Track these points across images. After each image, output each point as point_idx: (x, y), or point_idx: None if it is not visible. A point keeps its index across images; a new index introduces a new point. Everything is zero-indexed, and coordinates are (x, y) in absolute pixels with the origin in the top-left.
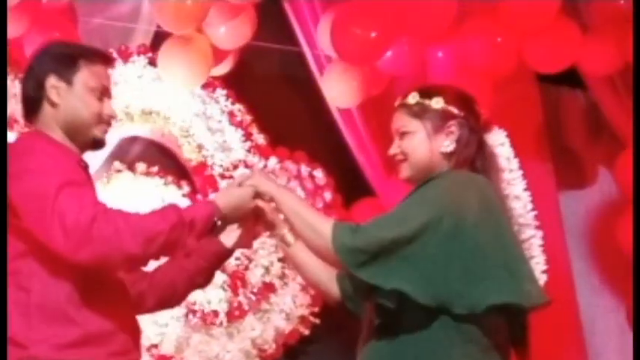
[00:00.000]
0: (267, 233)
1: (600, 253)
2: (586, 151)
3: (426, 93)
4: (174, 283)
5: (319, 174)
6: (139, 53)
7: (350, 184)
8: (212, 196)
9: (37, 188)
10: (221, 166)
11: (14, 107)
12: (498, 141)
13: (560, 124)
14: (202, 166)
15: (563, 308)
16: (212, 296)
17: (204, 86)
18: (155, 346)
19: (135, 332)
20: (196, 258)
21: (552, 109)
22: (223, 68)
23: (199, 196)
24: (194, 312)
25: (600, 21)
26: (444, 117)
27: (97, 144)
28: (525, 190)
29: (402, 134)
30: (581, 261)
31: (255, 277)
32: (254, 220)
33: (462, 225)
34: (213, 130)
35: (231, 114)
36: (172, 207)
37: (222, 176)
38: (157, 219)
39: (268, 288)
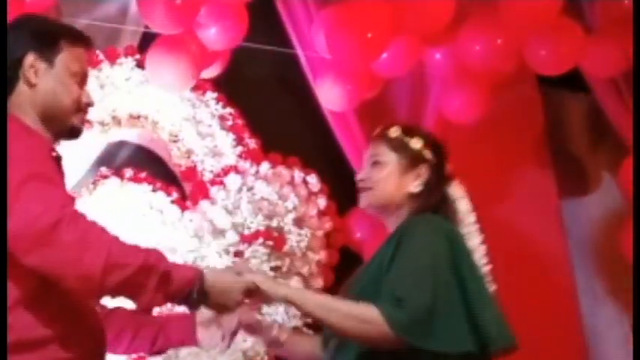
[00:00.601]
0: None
1: (603, 262)
2: (589, 157)
3: (408, 131)
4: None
5: (313, 180)
6: (126, 55)
7: (345, 191)
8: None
9: None
10: (211, 171)
11: None
12: (458, 194)
13: (562, 129)
14: (192, 171)
15: (566, 319)
16: None
17: (194, 89)
18: (142, 357)
19: (96, 339)
20: (163, 334)
21: (554, 113)
22: (214, 70)
23: (189, 203)
24: None
25: (604, 21)
26: (419, 158)
27: (74, 132)
28: (481, 243)
29: (375, 163)
30: (583, 271)
31: None
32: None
33: (454, 273)
34: (203, 134)
35: (221, 118)
36: (157, 252)
37: (213, 182)
38: (132, 250)
39: None
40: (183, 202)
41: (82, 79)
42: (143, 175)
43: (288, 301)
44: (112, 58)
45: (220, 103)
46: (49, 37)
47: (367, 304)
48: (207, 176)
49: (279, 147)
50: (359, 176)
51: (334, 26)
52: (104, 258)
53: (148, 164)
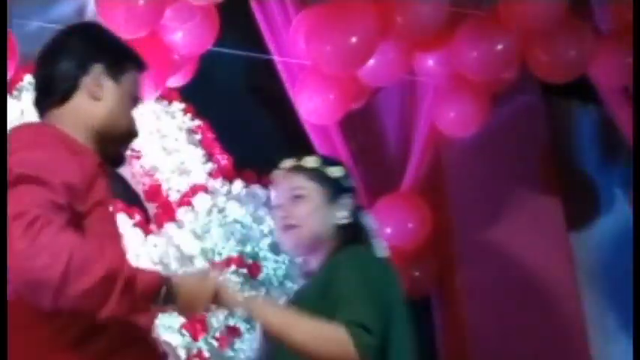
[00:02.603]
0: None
1: (616, 293)
2: (600, 175)
3: (325, 160)
4: None
5: None
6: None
7: None
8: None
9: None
10: (178, 191)
11: None
12: (372, 224)
13: (570, 144)
14: (157, 191)
15: (573, 357)
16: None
17: (159, 99)
18: None
19: None
20: None
21: (560, 126)
22: (181, 78)
23: (153, 226)
24: None
25: (614, 24)
26: (340, 188)
27: (117, 161)
28: None
29: (296, 197)
30: (593, 303)
31: (217, 320)
32: None
33: (392, 307)
34: (169, 149)
35: (189, 131)
36: (121, 254)
37: (180, 203)
38: (96, 253)
39: (232, 332)
40: (147, 225)
41: (136, 106)
42: None
43: (249, 311)
44: None
45: (188, 115)
46: (119, 53)
47: (334, 324)
48: (174, 196)
49: (253, 164)
50: (279, 214)
51: (315, 29)
52: (64, 265)
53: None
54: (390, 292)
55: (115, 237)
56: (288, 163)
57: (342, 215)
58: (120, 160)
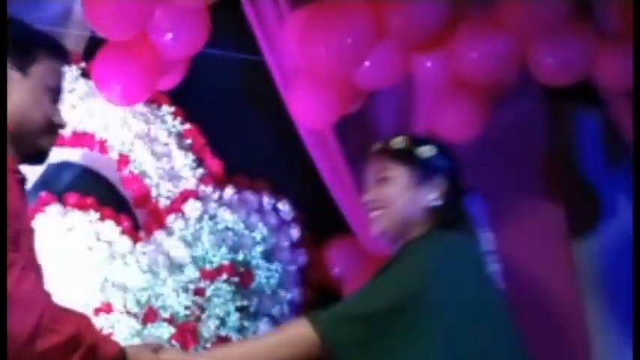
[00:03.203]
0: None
1: (618, 299)
2: (602, 179)
3: (414, 139)
4: None
5: (285, 207)
6: (69, 63)
7: (321, 219)
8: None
9: None
10: (168, 197)
11: None
12: (473, 204)
13: (573, 149)
14: (145, 197)
15: None
16: None
17: (148, 102)
18: None
19: None
20: None
21: (562, 130)
22: (171, 81)
23: (142, 233)
24: None
25: (619, 25)
26: (431, 168)
27: (40, 156)
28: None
29: (383, 180)
30: (597, 312)
31: (208, 330)
32: None
33: (444, 301)
34: (158, 154)
35: (179, 135)
36: (87, 319)
37: (170, 210)
38: (64, 315)
39: (224, 343)
40: (136, 232)
41: (56, 96)
42: (89, 201)
43: None
44: None
45: (178, 119)
46: (27, 43)
47: (293, 323)
48: (163, 203)
49: (245, 169)
50: (366, 198)
51: (309, 30)
52: (36, 319)
53: (94, 189)
54: (439, 283)
55: (35, 257)
56: (377, 145)
57: (432, 197)
58: (42, 155)
